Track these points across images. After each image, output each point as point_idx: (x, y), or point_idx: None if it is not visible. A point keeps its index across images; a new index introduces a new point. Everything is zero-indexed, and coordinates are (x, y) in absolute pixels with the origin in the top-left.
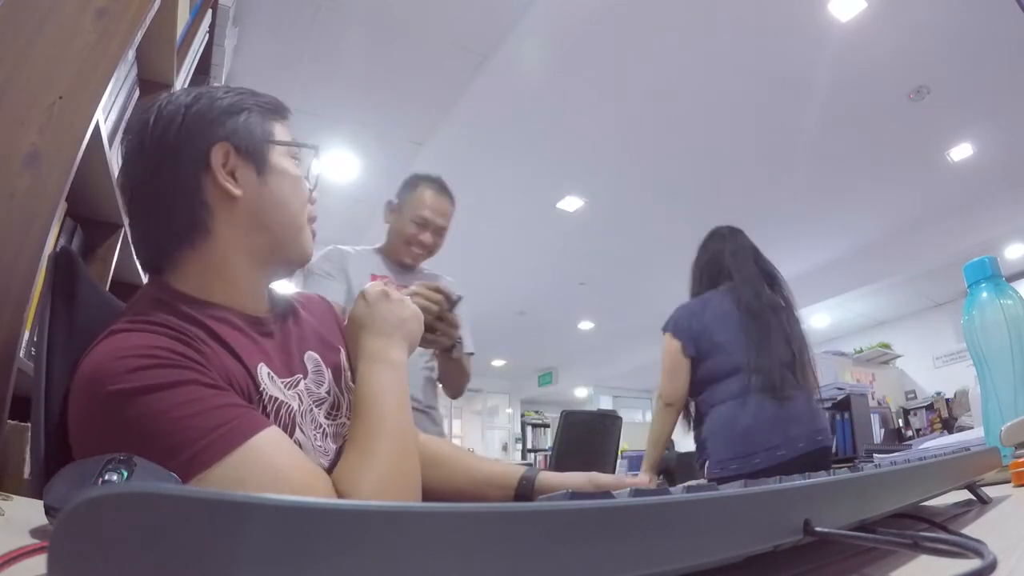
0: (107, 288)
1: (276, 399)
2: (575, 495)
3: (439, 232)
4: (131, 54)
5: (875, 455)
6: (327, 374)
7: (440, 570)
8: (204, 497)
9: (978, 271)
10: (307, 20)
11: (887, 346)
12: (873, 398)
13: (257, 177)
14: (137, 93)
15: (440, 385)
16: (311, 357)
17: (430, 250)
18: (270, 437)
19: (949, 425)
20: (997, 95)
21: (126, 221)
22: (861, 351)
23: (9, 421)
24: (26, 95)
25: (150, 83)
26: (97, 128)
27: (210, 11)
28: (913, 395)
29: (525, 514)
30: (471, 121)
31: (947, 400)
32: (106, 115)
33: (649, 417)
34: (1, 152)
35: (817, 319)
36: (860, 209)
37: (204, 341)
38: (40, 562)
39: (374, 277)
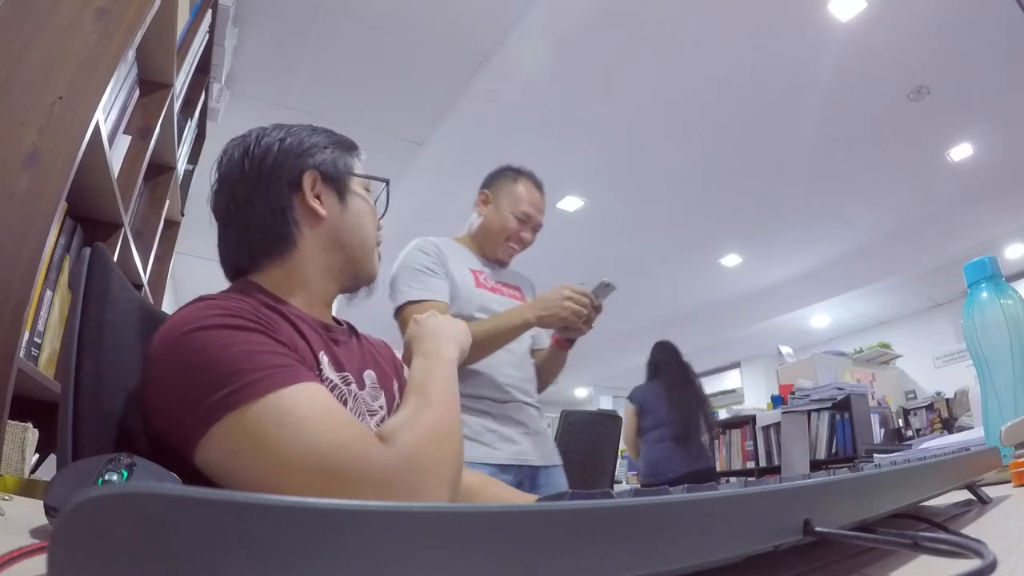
0: None
1: (332, 381)
2: (575, 495)
3: (537, 229)
4: (131, 54)
5: (875, 455)
6: (382, 395)
7: (440, 570)
8: (204, 497)
9: (978, 271)
10: (307, 20)
11: (887, 346)
12: (873, 398)
13: (339, 202)
14: (137, 93)
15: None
16: (369, 375)
17: (525, 247)
18: (319, 389)
19: (949, 425)
20: (997, 95)
21: (217, 233)
22: (861, 351)
23: (9, 421)
24: (26, 95)
25: (150, 83)
26: (97, 128)
27: (210, 11)
28: (913, 395)
29: (525, 514)
30: (471, 121)
31: (947, 400)
32: (106, 115)
33: None
34: (1, 152)
35: (817, 319)
36: (860, 209)
37: (277, 321)
38: (40, 562)
39: (474, 272)
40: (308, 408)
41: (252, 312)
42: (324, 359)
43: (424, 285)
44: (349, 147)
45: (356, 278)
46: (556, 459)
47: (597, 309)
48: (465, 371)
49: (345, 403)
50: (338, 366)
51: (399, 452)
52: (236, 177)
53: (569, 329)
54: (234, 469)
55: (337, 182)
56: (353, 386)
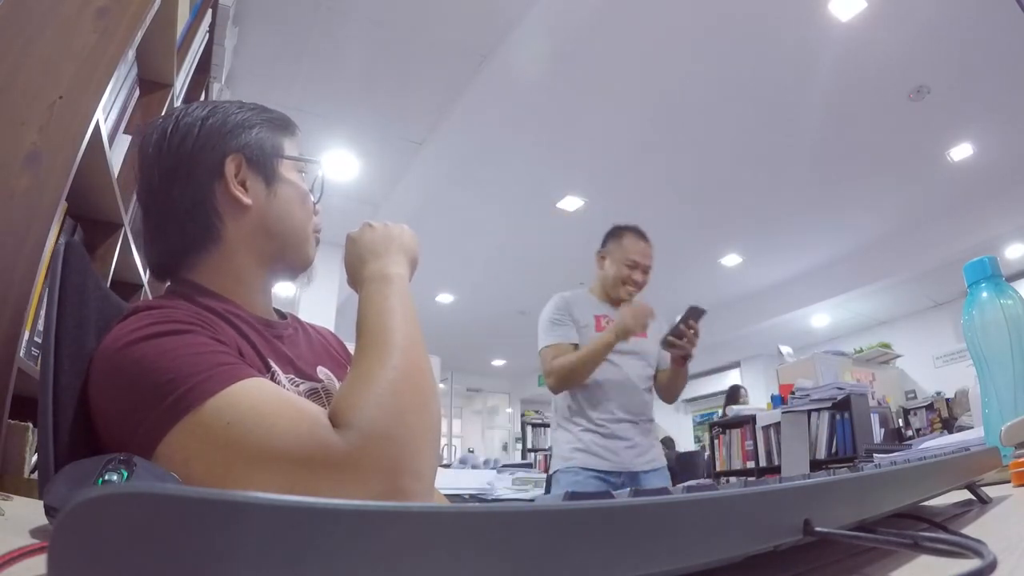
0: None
1: (283, 383)
2: (575, 495)
3: (646, 271)
4: (131, 54)
5: (875, 455)
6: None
7: (439, 571)
8: (204, 497)
9: (978, 271)
10: (307, 20)
11: (887, 346)
12: (873, 398)
13: (266, 188)
14: (137, 93)
15: (657, 392)
16: (323, 371)
17: (641, 287)
18: (265, 382)
19: (949, 425)
20: (997, 95)
21: (140, 226)
22: (861, 351)
23: (9, 421)
24: (26, 95)
25: (150, 83)
26: (97, 128)
27: (210, 11)
28: (913, 395)
29: (525, 514)
30: (471, 121)
31: (947, 400)
32: (106, 115)
33: None
34: (1, 152)
35: (817, 319)
36: (860, 209)
37: (218, 322)
38: (40, 562)
39: (597, 317)
40: (256, 402)
41: (187, 315)
42: (274, 365)
43: (555, 333)
44: (281, 125)
45: (291, 267)
46: (659, 463)
47: (691, 327)
48: (581, 399)
49: None
50: (291, 368)
51: (357, 433)
52: (152, 164)
53: (675, 347)
54: (192, 479)
55: (263, 166)
56: (306, 384)
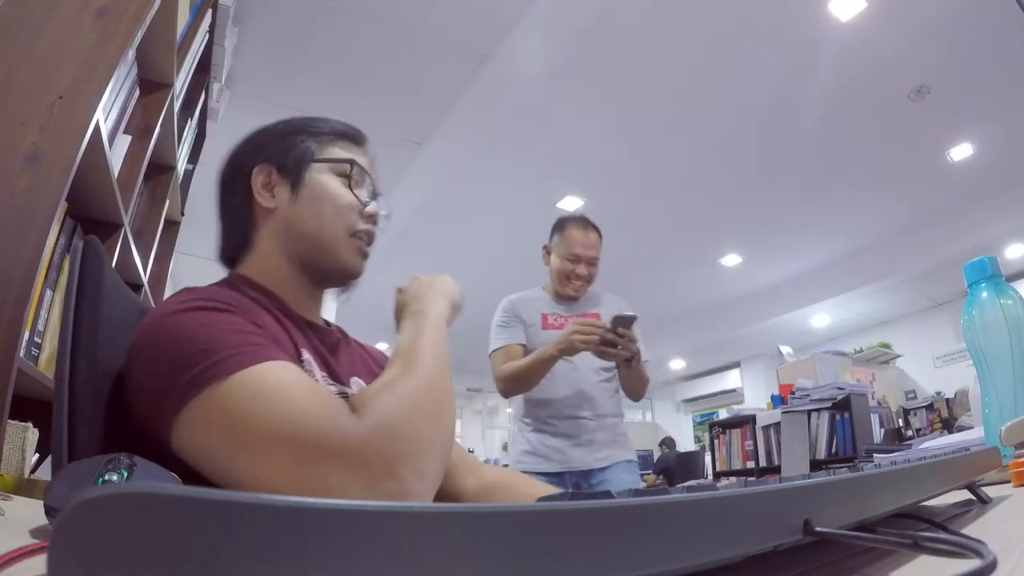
0: None
1: (314, 374)
2: (575, 495)
3: (592, 263)
4: (131, 54)
5: (875, 455)
6: None
7: (440, 571)
8: (204, 497)
9: (978, 271)
10: (307, 20)
11: (887, 346)
12: (873, 398)
13: (290, 192)
14: (137, 93)
15: (625, 392)
16: (357, 382)
17: (588, 281)
18: (293, 367)
19: (949, 425)
20: (997, 95)
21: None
22: (861, 351)
23: (9, 421)
24: (26, 95)
25: (150, 83)
26: (97, 128)
27: (210, 11)
28: (913, 395)
29: (525, 514)
30: (471, 121)
31: (947, 400)
32: (106, 115)
33: (649, 417)
34: (1, 152)
35: (817, 319)
36: (860, 209)
37: (258, 310)
38: (40, 562)
39: (543, 315)
40: (281, 383)
41: (229, 297)
42: (307, 355)
43: (501, 335)
44: (320, 132)
45: (324, 271)
46: (617, 458)
47: (625, 336)
48: (531, 397)
49: None
50: (325, 368)
51: (372, 421)
52: (218, 178)
53: (608, 355)
54: (206, 451)
55: (291, 171)
56: (335, 387)
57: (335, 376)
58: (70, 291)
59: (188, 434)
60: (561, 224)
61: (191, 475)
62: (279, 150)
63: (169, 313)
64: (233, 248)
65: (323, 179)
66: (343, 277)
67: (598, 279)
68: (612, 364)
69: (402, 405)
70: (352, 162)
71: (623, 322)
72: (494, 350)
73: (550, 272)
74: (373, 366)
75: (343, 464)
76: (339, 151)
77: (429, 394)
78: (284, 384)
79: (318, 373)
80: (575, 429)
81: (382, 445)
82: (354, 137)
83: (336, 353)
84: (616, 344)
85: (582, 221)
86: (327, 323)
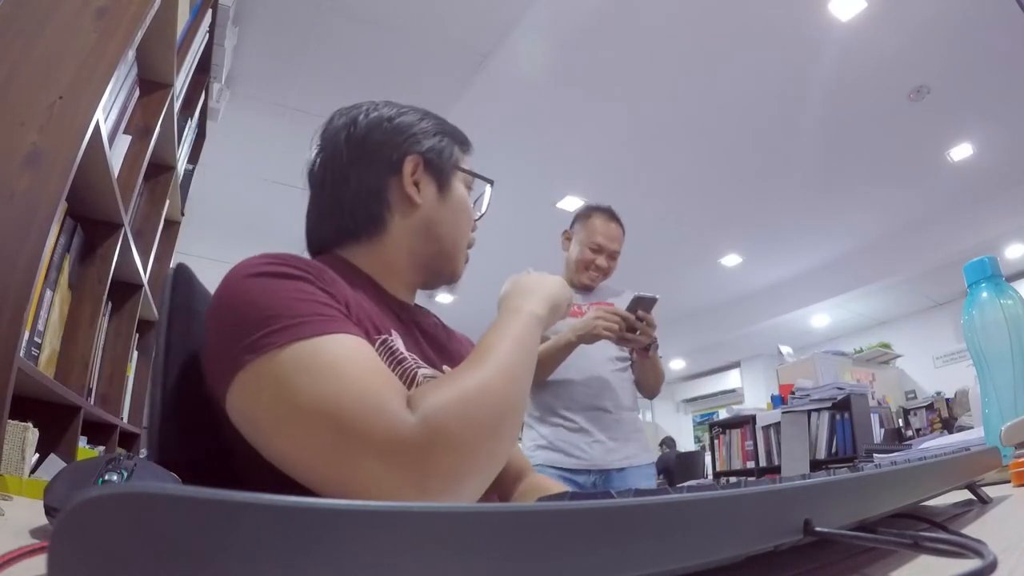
0: (107, 288)
1: (399, 353)
2: (575, 495)
3: (613, 256)
4: (131, 54)
5: (875, 455)
6: None
7: (440, 571)
8: (204, 497)
9: (978, 271)
10: (307, 20)
11: (887, 346)
12: (873, 398)
13: (437, 192)
14: (137, 93)
15: (638, 388)
16: (448, 369)
17: (606, 273)
18: (359, 343)
19: (949, 425)
20: (997, 95)
21: (308, 202)
22: (861, 351)
23: (9, 421)
24: (26, 95)
25: (150, 83)
26: (97, 128)
27: (210, 11)
28: (913, 395)
29: (525, 514)
30: (471, 121)
31: (947, 400)
32: (106, 115)
33: (649, 417)
34: (1, 152)
35: (817, 319)
36: (860, 209)
37: (339, 281)
38: (40, 562)
39: None
40: (335, 359)
41: (305, 263)
42: (395, 335)
43: None
44: (460, 140)
45: (439, 274)
46: (638, 461)
47: (642, 320)
48: (543, 390)
49: (412, 379)
50: (417, 349)
51: (419, 418)
52: (336, 148)
53: (627, 341)
54: (253, 416)
55: (439, 172)
56: (428, 370)
57: (428, 359)
58: (161, 317)
59: (240, 400)
60: (587, 212)
61: (244, 451)
62: (434, 147)
63: (241, 277)
64: (353, 227)
65: (460, 187)
66: (451, 282)
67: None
68: (626, 353)
69: (456, 409)
70: (492, 181)
71: (643, 304)
72: None
73: (567, 259)
74: (461, 354)
75: (379, 458)
76: (462, 157)
77: (492, 399)
78: (341, 360)
79: (405, 353)
80: (593, 422)
81: (423, 448)
82: (470, 147)
83: (432, 338)
84: (636, 329)
85: (608, 212)
86: (424, 310)
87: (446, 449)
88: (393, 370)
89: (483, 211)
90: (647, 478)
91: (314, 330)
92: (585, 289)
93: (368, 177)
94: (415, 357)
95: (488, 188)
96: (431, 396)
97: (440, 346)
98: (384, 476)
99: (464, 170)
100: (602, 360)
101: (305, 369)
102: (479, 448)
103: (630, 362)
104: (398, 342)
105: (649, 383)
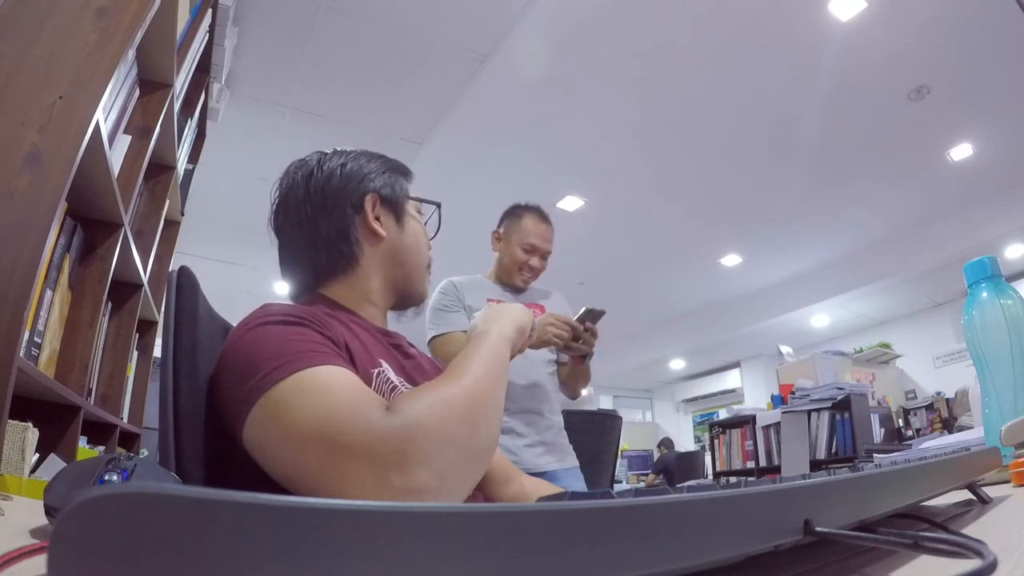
0: (107, 288)
1: (392, 383)
2: (575, 495)
3: (545, 256)
4: (131, 54)
5: (875, 455)
6: None
7: (440, 570)
8: (203, 497)
9: (978, 271)
10: (307, 20)
11: (887, 346)
12: (873, 398)
13: (396, 223)
14: (137, 93)
15: (562, 388)
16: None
17: (537, 274)
18: (345, 372)
19: (949, 425)
20: (997, 95)
21: (278, 250)
22: (861, 351)
23: (9, 421)
24: (26, 95)
25: (150, 83)
26: (97, 128)
27: (210, 11)
28: (913, 395)
29: (525, 514)
30: (471, 121)
31: (947, 400)
32: (106, 115)
33: (649, 417)
34: (1, 152)
35: (817, 319)
36: (860, 209)
37: (334, 324)
38: (40, 562)
39: (490, 302)
40: (327, 384)
41: (304, 311)
42: (384, 365)
43: (443, 321)
44: (403, 172)
45: (409, 296)
46: (567, 464)
47: (589, 331)
48: None
49: None
50: (403, 373)
51: (399, 418)
52: (300, 199)
53: (569, 348)
54: (261, 444)
55: (394, 204)
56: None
57: (412, 380)
58: (168, 318)
59: (252, 431)
60: (518, 212)
61: (258, 476)
62: (386, 183)
63: (251, 327)
64: (328, 266)
65: (413, 213)
66: (419, 302)
67: (543, 277)
68: (555, 356)
69: (435, 407)
70: (439, 204)
71: (592, 316)
72: (435, 336)
73: (498, 259)
74: (427, 373)
75: (362, 457)
76: (408, 186)
77: (466, 400)
78: (331, 384)
79: (395, 378)
80: (527, 424)
81: (402, 441)
82: (410, 175)
83: (411, 358)
84: (579, 338)
85: (540, 212)
86: (397, 333)
87: (422, 440)
88: (387, 397)
89: (435, 232)
90: (576, 480)
91: (308, 363)
92: (516, 290)
93: (335, 220)
94: (402, 381)
95: (436, 210)
96: (407, 400)
97: (417, 364)
98: (368, 474)
99: (413, 198)
100: (539, 363)
101: (300, 392)
102: (455, 438)
103: (557, 365)
104: (389, 372)
105: (576, 387)
